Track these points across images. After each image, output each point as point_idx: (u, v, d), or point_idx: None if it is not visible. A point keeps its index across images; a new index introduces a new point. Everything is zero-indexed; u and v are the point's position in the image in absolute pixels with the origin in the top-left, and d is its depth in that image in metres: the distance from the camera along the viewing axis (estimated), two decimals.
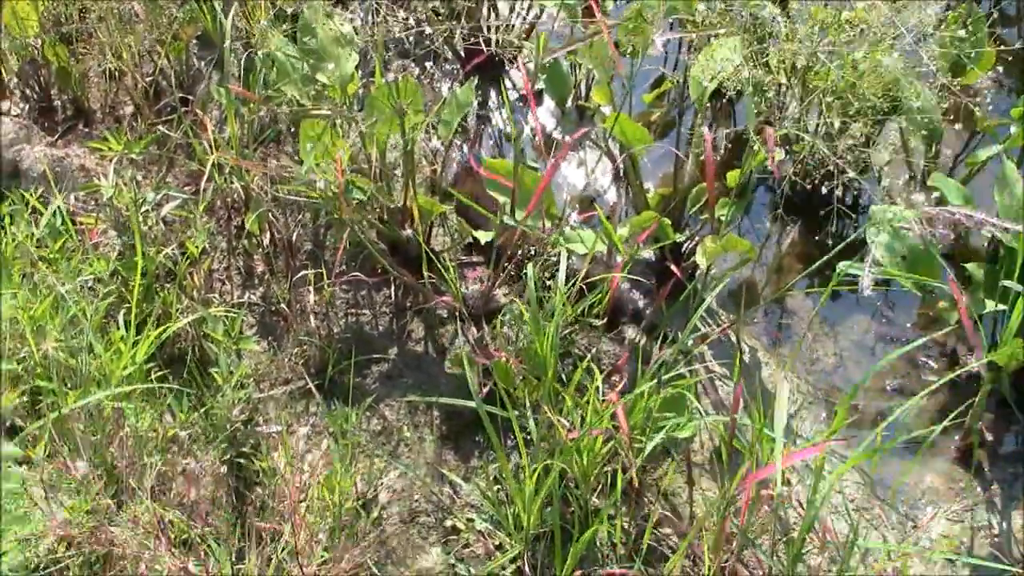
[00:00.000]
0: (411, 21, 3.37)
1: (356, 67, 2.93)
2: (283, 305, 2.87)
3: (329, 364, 2.82)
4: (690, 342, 2.89)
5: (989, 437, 2.84)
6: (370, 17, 3.15)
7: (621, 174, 3.27)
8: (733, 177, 2.87)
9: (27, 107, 3.37)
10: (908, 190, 3.34)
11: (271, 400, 2.79)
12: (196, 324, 2.77)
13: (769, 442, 2.31)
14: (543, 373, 2.47)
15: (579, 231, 2.75)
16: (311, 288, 2.89)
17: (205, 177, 2.83)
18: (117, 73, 3.34)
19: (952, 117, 3.43)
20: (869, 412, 2.92)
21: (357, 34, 2.95)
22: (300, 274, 2.88)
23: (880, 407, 2.91)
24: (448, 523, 2.61)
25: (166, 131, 3.08)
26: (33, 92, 3.37)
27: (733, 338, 3.02)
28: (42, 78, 3.32)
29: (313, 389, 2.77)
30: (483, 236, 2.81)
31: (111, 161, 2.87)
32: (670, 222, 2.84)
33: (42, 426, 2.27)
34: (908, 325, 3.08)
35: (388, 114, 2.75)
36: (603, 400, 2.45)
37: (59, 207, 2.73)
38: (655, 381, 2.46)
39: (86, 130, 3.34)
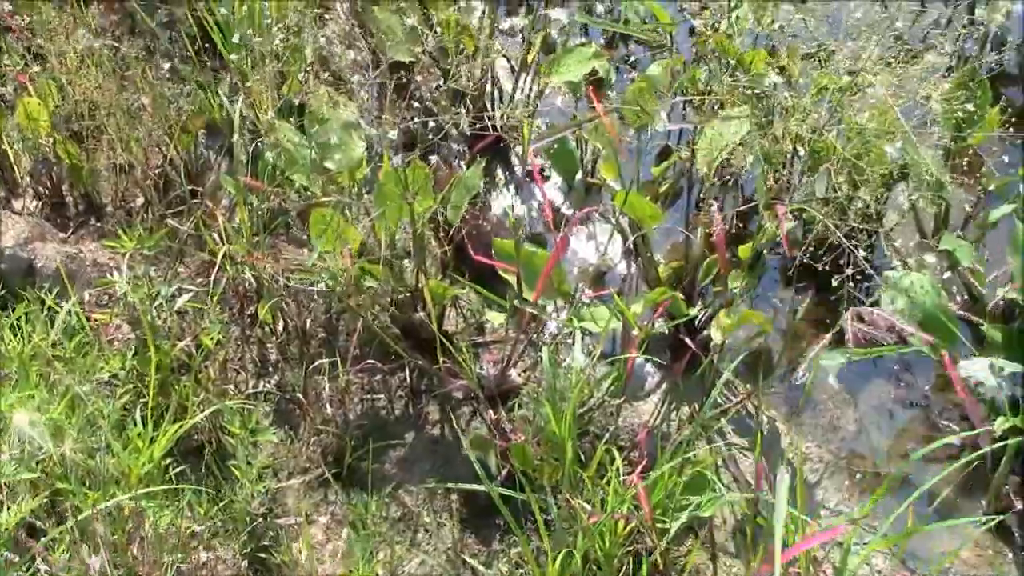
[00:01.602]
0: (416, 105, 3.40)
1: (364, 153, 2.96)
2: (298, 394, 2.87)
3: (346, 452, 2.81)
4: (708, 415, 2.88)
5: (1018, 504, 2.80)
6: (375, 103, 3.18)
7: (632, 247, 3.27)
8: (745, 251, 2.88)
9: (39, 204, 3.39)
10: (919, 252, 3.33)
11: (289, 490, 2.78)
12: (212, 416, 2.77)
13: (794, 519, 2.28)
14: (562, 455, 2.46)
15: (592, 309, 2.75)
16: (325, 376, 2.88)
17: (216, 268, 2.85)
18: (127, 166, 3.37)
19: (959, 177, 3.43)
20: (892, 477, 2.89)
21: (362, 120, 2.98)
22: (315, 363, 2.88)
23: (903, 471, 2.88)
24: None
25: (175, 224, 3.09)
26: (45, 189, 3.39)
27: (751, 409, 3.01)
28: (54, 175, 3.35)
29: (331, 478, 2.76)
30: (495, 318, 2.81)
31: (124, 256, 2.88)
32: (683, 296, 2.84)
33: (62, 530, 2.26)
34: (927, 388, 3.06)
35: (396, 201, 2.76)
36: (623, 480, 2.43)
37: (73, 305, 2.74)
38: (676, 461, 2.44)
39: (97, 224, 3.35)
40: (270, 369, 3.04)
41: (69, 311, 2.75)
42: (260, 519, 2.64)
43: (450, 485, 2.69)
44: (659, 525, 2.48)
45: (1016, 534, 2.79)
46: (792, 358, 3.13)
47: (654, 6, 3.51)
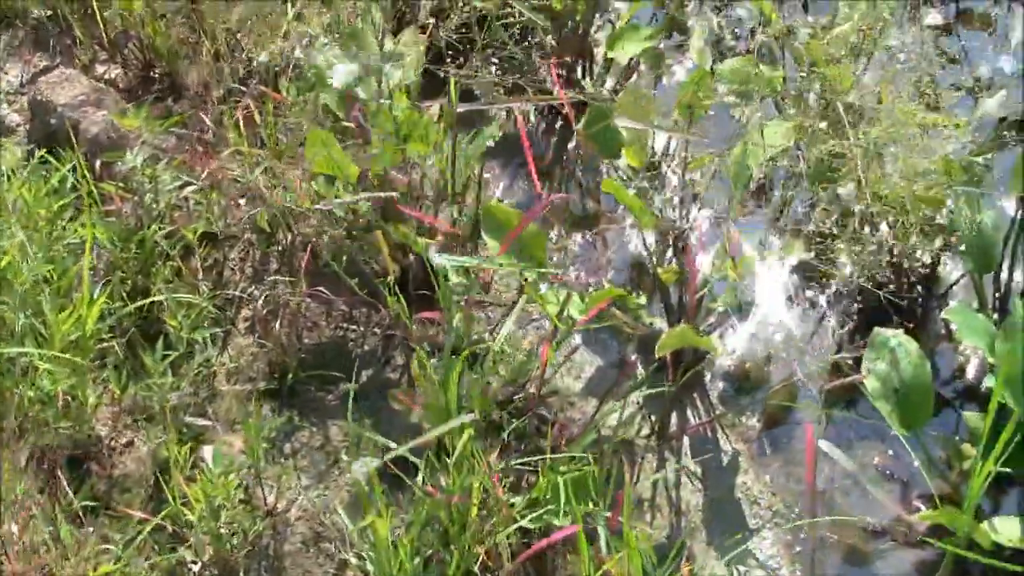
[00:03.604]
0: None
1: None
2: (257, 304, 2.91)
3: (291, 371, 2.83)
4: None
5: None
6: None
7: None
8: (735, 267, 2.69)
9: (127, 74, 3.54)
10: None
11: (228, 394, 2.82)
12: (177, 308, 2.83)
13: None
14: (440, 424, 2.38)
15: (553, 291, 2.63)
16: (293, 293, 2.90)
17: (208, 167, 2.91)
18: (212, 55, 3.46)
19: None
20: (840, 548, 2.66)
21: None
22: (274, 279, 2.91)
23: (855, 545, 2.65)
24: (343, 556, 2.56)
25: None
26: (137, 61, 3.54)
27: (721, 435, 2.85)
28: (142, 50, 3.49)
29: (256, 394, 2.81)
30: (453, 275, 2.74)
31: (140, 133, 2.98)
32: (642, 301, 2.68)
33: None
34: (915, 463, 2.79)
35: (390, 140, 2.73)
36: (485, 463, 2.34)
37: (77, 169, 2.87)
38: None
39: (171, 105, 3.47)
40: (265, 277, 3.08)
41: (73, 172, 2.89)
42: (181, 413, 2.70)
43: (362, 431, 2.65)
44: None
45: None
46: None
47: (764, 4, 3.30)
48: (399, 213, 2.80)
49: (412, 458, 2.42)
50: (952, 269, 3.12)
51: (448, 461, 2.32)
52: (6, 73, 3.60)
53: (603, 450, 2.56)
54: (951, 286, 3.08)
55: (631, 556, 2.11)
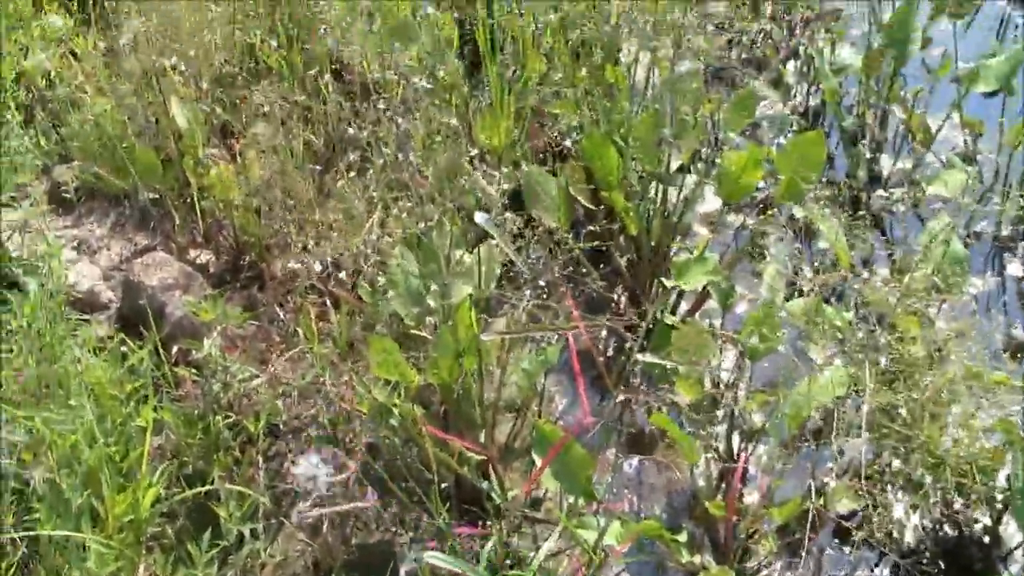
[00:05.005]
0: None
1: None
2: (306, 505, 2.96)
3: (335, 571, 2.86)
4: None
5: None
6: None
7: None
8: (779, 513, 2.67)
9: (217, 259, 3.71)
10: None
11: None
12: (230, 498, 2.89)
13: None
14: None
15: (593, 519, 2.64)
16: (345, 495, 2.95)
17: (278, 362, 3.01)
18: (300, 249, 3.60)
19: None
20: None
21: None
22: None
23: None
24: None
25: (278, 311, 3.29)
26: (230, 249, 3.70)
27: None
28: (233, 239, 3.65)
29: None
30: (496, 496, 2.77)
31: (220, 324, 3.10)
32: (681, 538, 2.66)
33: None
34: None
35: (450, 354, 2.81)
36: None
37: (154, 349, 3.00)
38: None
39: (259, 294, 3.61)
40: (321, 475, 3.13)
41: (150, 353, 3.01)
42: None
43: None
44: None
45: None
46: None
47: (839, 246, 3.34)
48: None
49: None
50: (1016, 531, 3.05)
51: None
52: (109, 250, 3.80)
53: None
54: (1012, 550, 3.00)
55: None
